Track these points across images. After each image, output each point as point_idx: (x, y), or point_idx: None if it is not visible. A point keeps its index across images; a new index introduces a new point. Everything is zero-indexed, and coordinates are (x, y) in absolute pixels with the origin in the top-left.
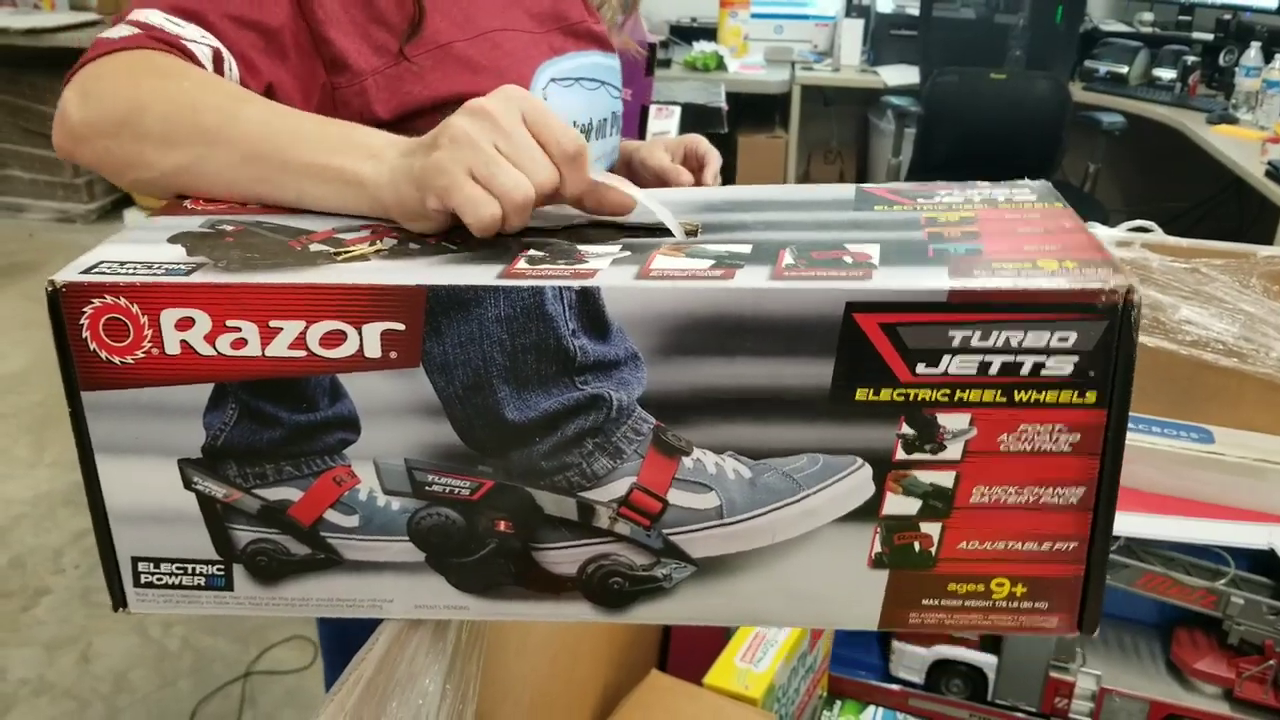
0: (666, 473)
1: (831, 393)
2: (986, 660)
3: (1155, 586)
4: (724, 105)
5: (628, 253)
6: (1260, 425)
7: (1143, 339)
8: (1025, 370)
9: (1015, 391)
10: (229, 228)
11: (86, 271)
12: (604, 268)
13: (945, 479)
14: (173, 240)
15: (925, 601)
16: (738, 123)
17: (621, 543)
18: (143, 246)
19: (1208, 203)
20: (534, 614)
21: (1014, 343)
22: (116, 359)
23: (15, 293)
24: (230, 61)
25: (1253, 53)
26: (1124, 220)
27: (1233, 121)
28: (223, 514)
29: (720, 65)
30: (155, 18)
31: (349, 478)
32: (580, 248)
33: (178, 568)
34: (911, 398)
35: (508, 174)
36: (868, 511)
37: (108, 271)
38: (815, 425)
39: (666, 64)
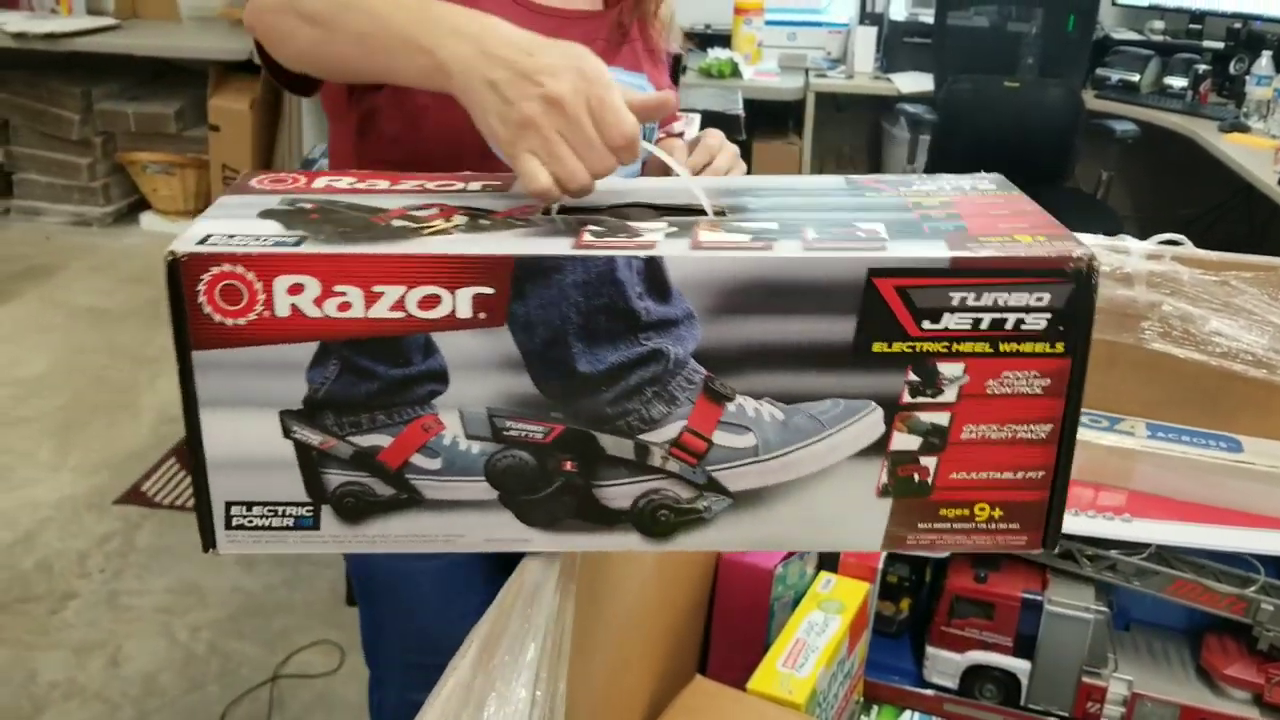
0: (713, 417)
1: (853, 345)
2: (1020, 666)
3: (1185, 593)
4: (742, 112)
5: (675, 229)
6: None
7: (1173, 350)
8: (1009, 325)
9: (1000, 343)
10: (308, 206)
11: (202, 243)
12: (660, 240)
13: (942, 419)
14: (263, 216)
15: (920, 525)
16: (753, 129)
17: (670, 479)
18: (238, 221)
19: (1217, 210)
20: (589, 544)
21: (1001, 302)
22: (229, 321)
23: (34, 296)
24: None
25: (1264, 62)
26: (1135, 227)
27: (1244, 130)
28: (317, 460)
29: (735, 72)
30: None
31: (436, 425)
32: (631, 224)
33: (269, 510)
34: (918, 349)
35: (567, 163)
36: (878, 448)
37: (221, 243)
38: (838, 374)
39: (682, 70)
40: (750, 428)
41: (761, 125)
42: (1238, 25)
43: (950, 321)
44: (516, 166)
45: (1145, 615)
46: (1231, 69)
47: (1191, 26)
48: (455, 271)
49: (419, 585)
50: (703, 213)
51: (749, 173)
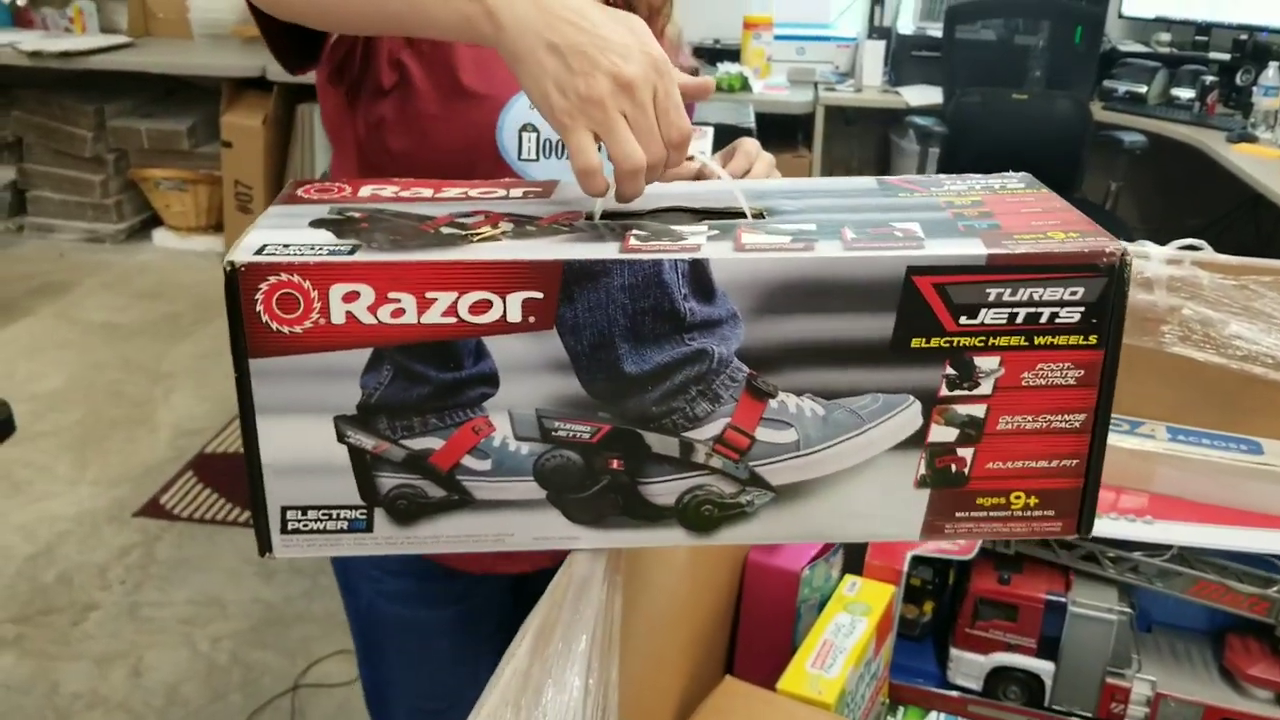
0: (755, 413)
1: (892, 341)
2: (1044, 667)
3: (1208, 594)
4: (753, 125)
5: (716, 232)
6: None
7: (1194, 354)
8: (1044, 319)
9: (1035, 336)
10: (356, 215)
11: (258, 253)
12: (704, 243)
13: (979, 410)
14: (314, 225)
15: (958, 514)
16: (763, 142)
17: (714, 475)
18: (290, 231)
19: (1224, 219)
20: (635, 540)
21: (1036, 297)
22: (286, 329)
23: (49, 312)
24: None
25: (1271, 73)
26: (1143, 237)
27: (1252, 140)
28: (370, 464)
29: (745, 86)
30: None
31: (486, 427)
32: (673, 228)
33: (323, 514)
34: (955, 344)
35: (626, 144)
36: (916, 440)
37: (278, 253)
38: (878, 369)
39: None
40: (792, 423)
41: (772, 138)
42: (1244, 37)
43: (987, 317)
44: (570, 140)
45: (1167, 616)
46: (1238, 80)
47: (1198, 38)
48: (506, 277)
49: (431, 635)
50: (741, 216)
51: None
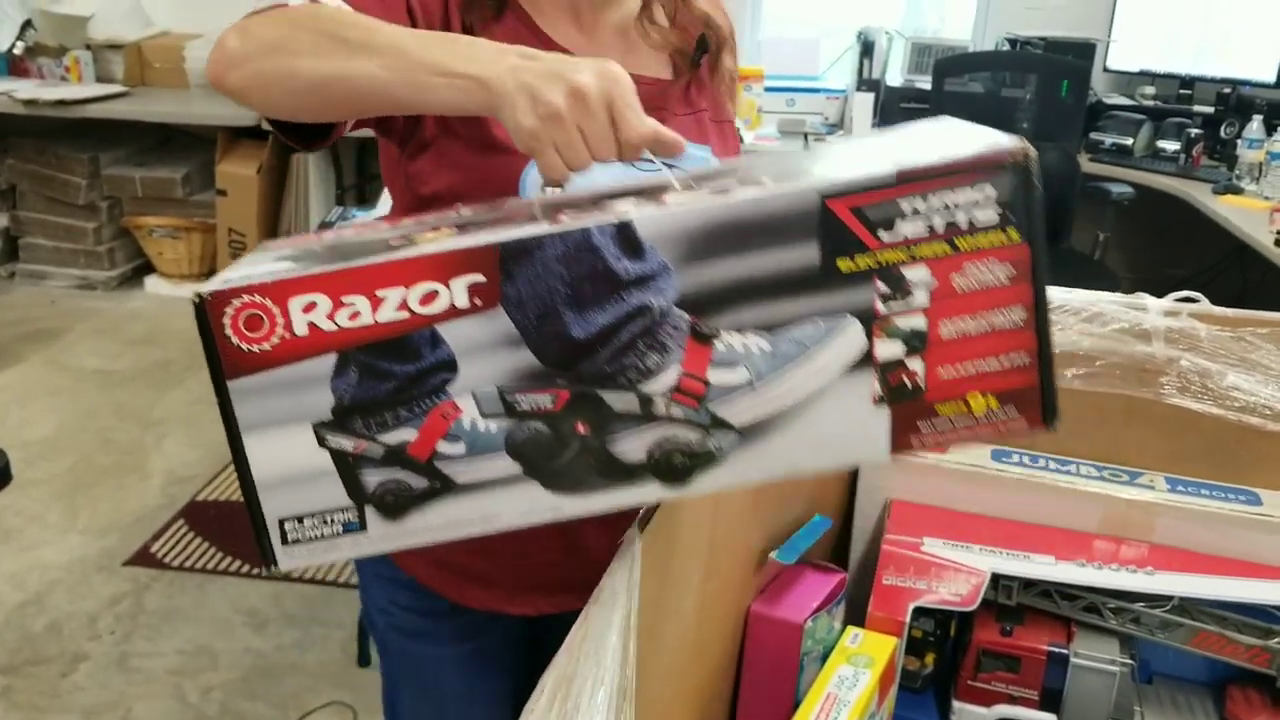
0: (704, 357)
1: (820, 268)
2: (1046, 719)
3: (1209, 645)
4: None
5: (642, 199)
6: None
7: (1192, 404)
8: (962, 224)
9: (957, 240)
10: (318, 248)
11: (223, 284)
12: (629, 208)
13: (919, 322)
14: (278, 260)
15: (922, 427)
16: None
17: (678, 424)
18: (255, 266)
19: (1212, 269)
20: (615, 501)
21: (950, 204)
22: (255, 347)
23: (40, 359)
24: None
25: (1255, 125)
26: (1132, 287)
27: (1238, 192)
28: (353, 464)
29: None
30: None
31: (453, 410)
32: (602, 200)
33: (318, 520)
34: (881, 261)
35: (579, 155)
36: (864, 360)
37: (238, 280)
38: (813, 296)
39: None
40: (740, 362)
41: None
42: (1227, 90)
43: (906, 229)
44: (540, 160)
45: (1168, 668)
46: (1223, 132)
47: (1182, 91)
48: (447, 266)
49: (442, 673)
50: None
51: None
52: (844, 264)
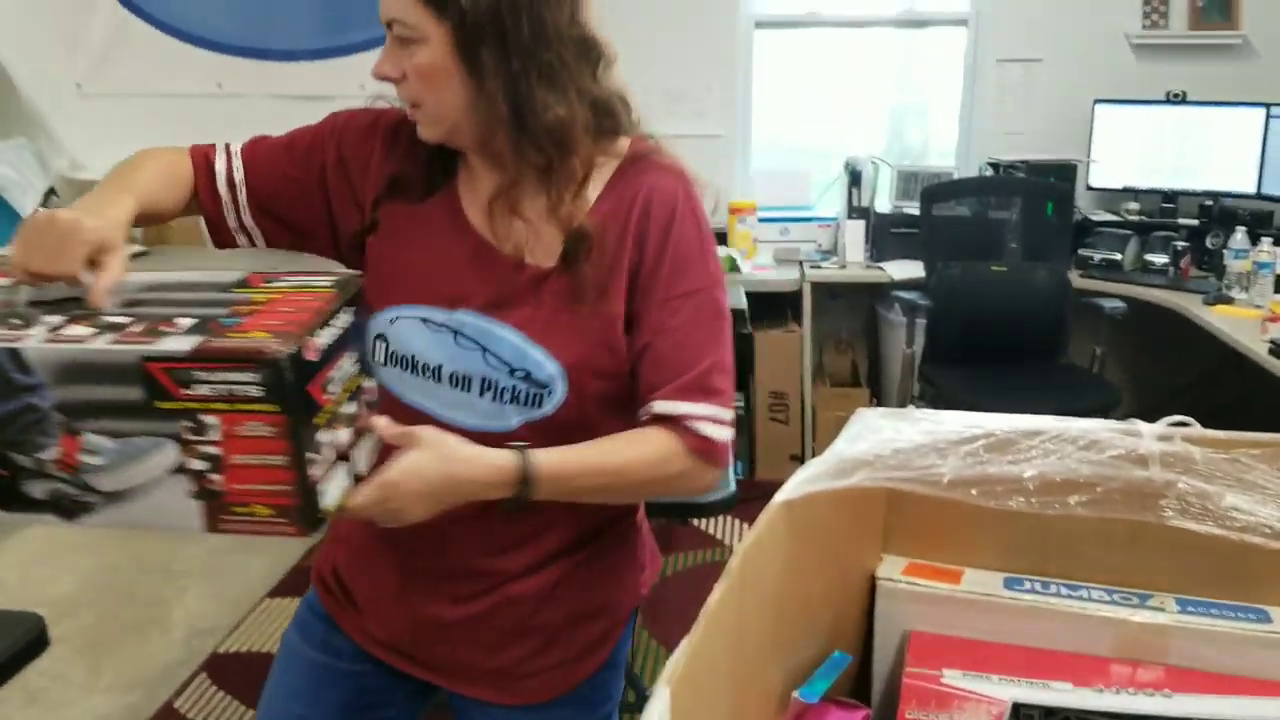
0: (75, 446)
1: (144, 403)
2: None
3: None
4: (745, 305)
5: (61, 321)
6: None
7: (1193, 526)
8: (238, 393)
9: (237, 403)
10: None
11: None
12: (30, 332)
13: (215, 450)
14: None
15: (225, 517)
16: (754, 319)
17: (64, 483)
18: None
19: (1209, 377)
20: (31, 519)
21: (228, 379)
22: None
23: None
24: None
25: (1239, 236)
26: (1131, 397)
27: (1228, 301)
28: None
29: (734, 267)
30: (231, 146)
31: None
32: (16, 323)
33: None
34: (185, 407)
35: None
36: (182, 468)
37: None
38: (144, 420)
39: None
40: (99, 452)
41: (763, 315)
42: (1209, 203)
43: (201, 390)
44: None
45: None
46: (1209, 244)
47: (1165, 205)
48: None
49: (296, 665)
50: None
51: (753, 360)
52: (160, 404)
